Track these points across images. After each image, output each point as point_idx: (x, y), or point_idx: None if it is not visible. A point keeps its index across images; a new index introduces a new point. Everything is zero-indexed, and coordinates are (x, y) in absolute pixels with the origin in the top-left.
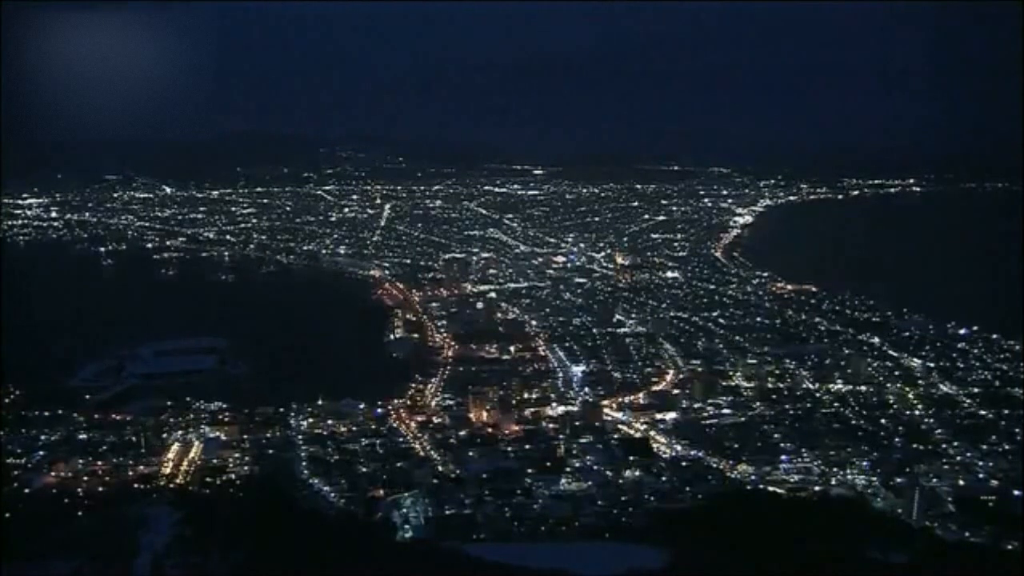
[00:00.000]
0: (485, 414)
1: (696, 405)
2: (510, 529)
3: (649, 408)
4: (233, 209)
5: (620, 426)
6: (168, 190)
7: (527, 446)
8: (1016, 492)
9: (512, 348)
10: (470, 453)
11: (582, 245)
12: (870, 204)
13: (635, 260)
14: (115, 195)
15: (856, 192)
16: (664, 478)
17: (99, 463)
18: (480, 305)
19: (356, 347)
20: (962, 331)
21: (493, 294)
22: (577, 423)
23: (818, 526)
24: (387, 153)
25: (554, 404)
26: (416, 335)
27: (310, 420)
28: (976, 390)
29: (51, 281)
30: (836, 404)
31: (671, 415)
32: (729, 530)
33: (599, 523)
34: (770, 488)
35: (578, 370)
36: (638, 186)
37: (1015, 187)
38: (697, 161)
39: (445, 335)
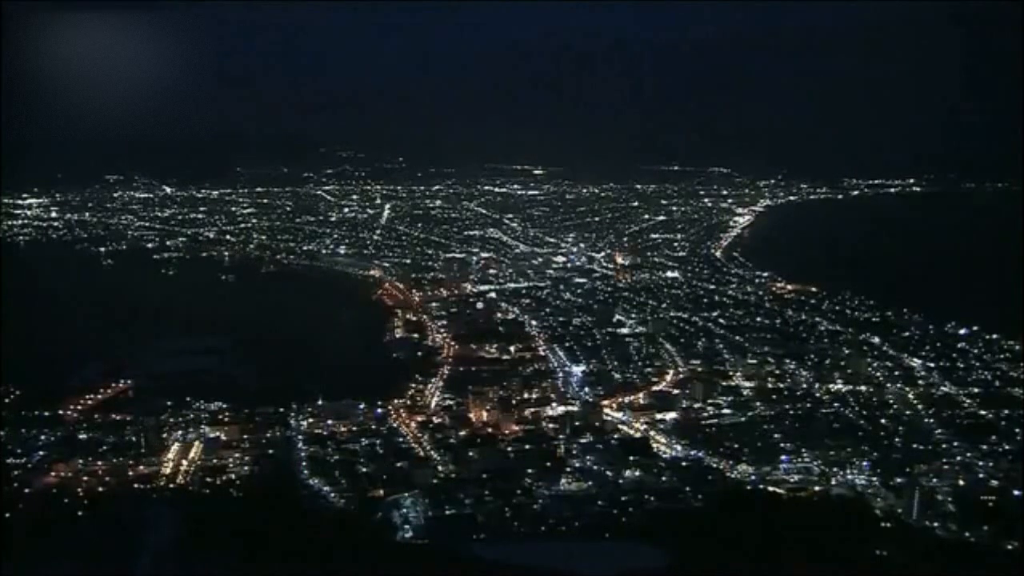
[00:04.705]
0: (485, 414)
1: (696, 405)
2: (510, 529)
3: (649, 408)
4: (233, 209)
5: (620, 426)
6: (168, 190)
7: (527, 446)
8: (1016, 492)
9: (512, 348)
10: (470, 453)
11: (582, 245)
12: (870, 204)
13: (635, 260)
14: (115, 195)
15: (856, 192)
16: (664, 478)
17: (99, 463)
18: (480, 305)
19: (356, 347)
20: (962, 331)
21: (493, 294)
22: (577, 423)
23: (818, 526)
24: (387, 153)
25: (554, 404)
26: (416, 335)
27: (310, 420)
28: (976, 390)
29: (51, 281)
30: (836, 404)
31: (671, 415)
32: (729, 530)
33: (599, 523)
34: (770, 488)
35: (578, 370)
36: (638, 186)
37: (1015, 187)
38: (697, 161)
39: (445, 335)
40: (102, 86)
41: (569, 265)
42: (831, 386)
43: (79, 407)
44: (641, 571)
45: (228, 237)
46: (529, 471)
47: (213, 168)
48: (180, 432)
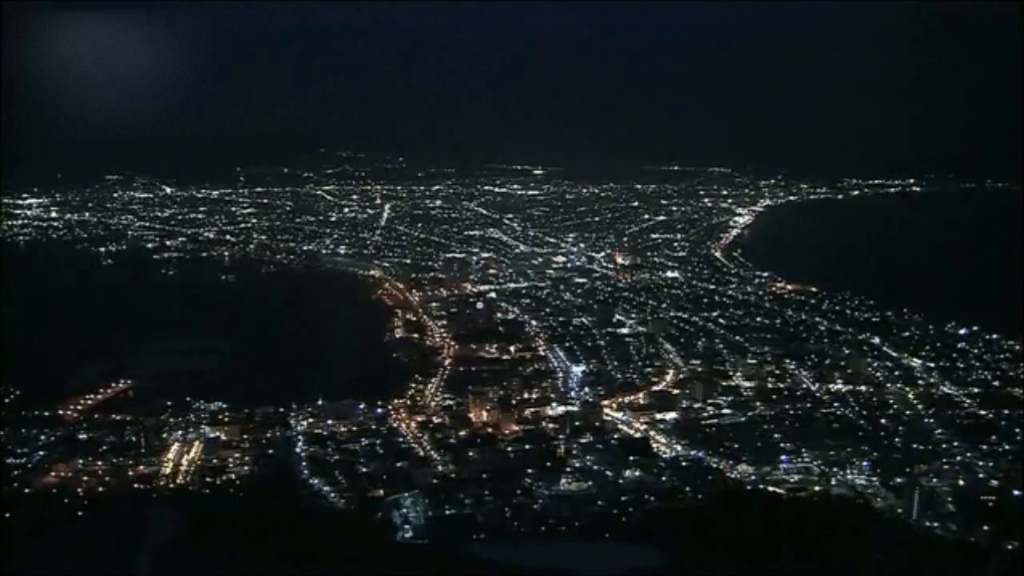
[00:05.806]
0: (485, 414)
1: (696, 405)
2: (510, 529)
3: (649, 408)
4: (233, 209)
5: (620, 426)
6: (168, 190)
7: (527, 446)
8: (1016, 492)
9: (512, 348)
10: (470, 453)
11: (582, 245)
12: (870, 204)
13: (635, 260)
14: (115, 195)
15: (856, 192)
16: (664, 478)
17: (99, 463)
18: (480, 305)
19: (356, 347)
20: (962, 331)
21: (493, 294)
22: (577, 423)
23: (818, 526)
24: (387, 153)
25: (554, 404)
26: (416, 335)
27: (310, 420)
28: (976, 390)
29: (51, 281)
30: (836, 404)
31: (671, 415)
32: (729, 530)
33: (599, 523)
34: (770, 488)
35: (578, 370)
36: (638, 186)
37: (1015, 187)
38: (697, 161)
39: (445, 335)
40: (102, 86)
41: (569, 265)
42: (831, 386)
43: (79, 407)
44: (641, 571)
45: (228, 237)
46: (529, 471)
47: (213, 168)
48: (180, 432)
